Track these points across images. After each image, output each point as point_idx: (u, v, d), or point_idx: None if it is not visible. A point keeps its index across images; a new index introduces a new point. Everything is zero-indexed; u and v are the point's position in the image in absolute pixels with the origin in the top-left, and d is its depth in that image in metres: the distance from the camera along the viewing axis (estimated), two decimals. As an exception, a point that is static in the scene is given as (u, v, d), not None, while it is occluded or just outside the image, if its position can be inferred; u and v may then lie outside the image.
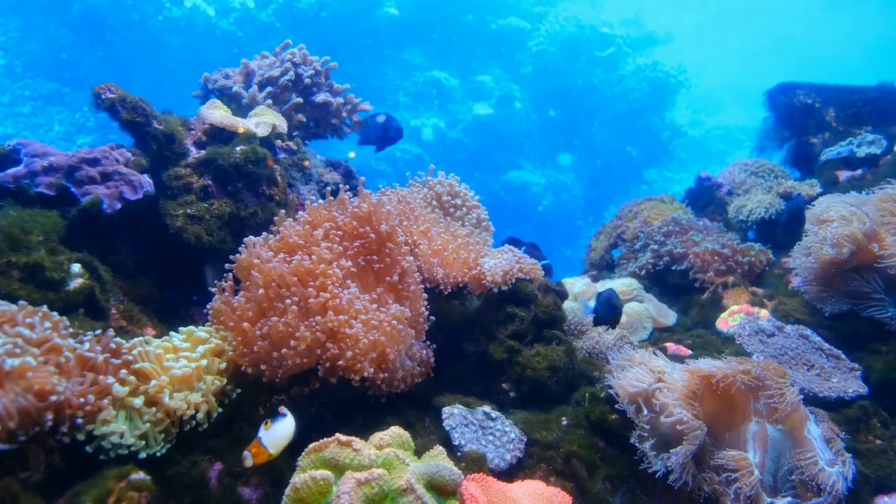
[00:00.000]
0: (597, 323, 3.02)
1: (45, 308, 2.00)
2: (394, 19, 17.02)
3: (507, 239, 3.42)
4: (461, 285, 2.92)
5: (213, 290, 2.53)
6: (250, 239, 2.57)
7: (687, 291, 4.05)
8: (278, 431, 1.92)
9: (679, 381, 2.20)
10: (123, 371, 1.98)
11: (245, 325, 2.30)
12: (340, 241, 2.57)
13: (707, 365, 2.26)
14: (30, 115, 14.89)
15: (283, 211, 2.78)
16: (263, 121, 3.33)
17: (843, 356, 2.90)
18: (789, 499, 2.01)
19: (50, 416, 1.75)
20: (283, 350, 2.23)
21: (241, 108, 3.58)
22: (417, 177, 3.45)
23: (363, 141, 3.89)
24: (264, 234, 2.64)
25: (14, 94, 14.87)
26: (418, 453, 1.99)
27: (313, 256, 2.42)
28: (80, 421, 1.82)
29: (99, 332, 2.09)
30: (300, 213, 2.84)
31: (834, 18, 25.27)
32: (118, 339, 2.09)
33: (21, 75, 15.00)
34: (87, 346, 1.97)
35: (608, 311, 2.88)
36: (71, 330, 2.01)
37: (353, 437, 1.85)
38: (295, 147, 3.53)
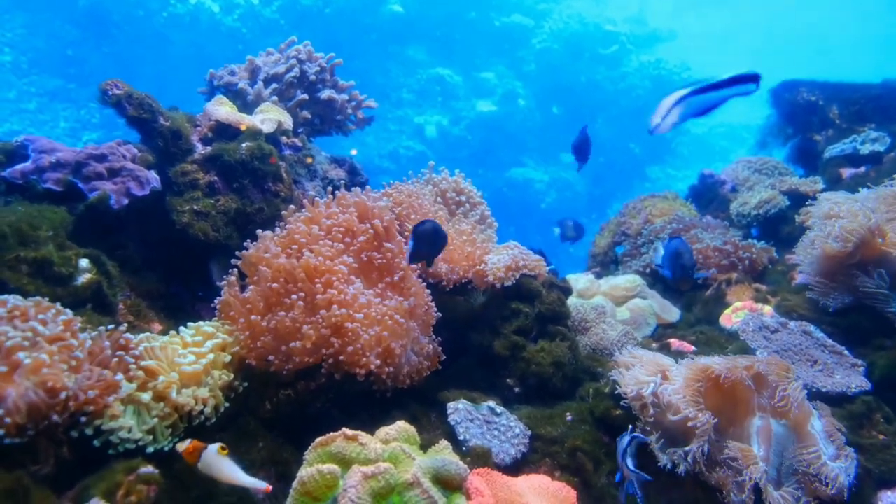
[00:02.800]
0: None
1: (58, 305, 2.02)
2: (398, 16, 17.02)
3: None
4: (465, 281, 2.93)
5: (221, 284, 2.55)
6: (265, 233, 2.58)
7: (690, 288, 4.05)
8: (223, 466, 1.78)
9: (683, 378, 2.21)
10: (133, 366, 2.00)
11: (253, 318, 2.31)
12: (342, 238, 2.59)
13: (711, 361, 2.27)
14: (36, 112, 14.91)
15: (291, 206, 2.79)
16: (269, 117, 3.34)
17: (845, 352, 2.90)
18: (793, 489, 2.02)
19: (59, 411, 1.76)
20: (291, 345, 2.25)
21: (247, 104, 3.60)
22: (421, 174, 3.46)
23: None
24: (277, 229, 2.66)
25: (20, 90, 14.88)
26: (424, 448, 2.00)
27: (319, 258, 2.43)
28: (83, 419, 1.84)
29: (112, 327, 2.11)
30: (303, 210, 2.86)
31: (840, 15, 25.20)
32: (128, 334, 2.11)
33: (27, 72, 15.02)
34: (97, 341, 1.99)
35: None
36: (80, 325, 2.03)
37: (359, 432, 1.86)
38: (300, 143, 3.55)
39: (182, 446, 1.81)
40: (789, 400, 2.16)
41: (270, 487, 1.81)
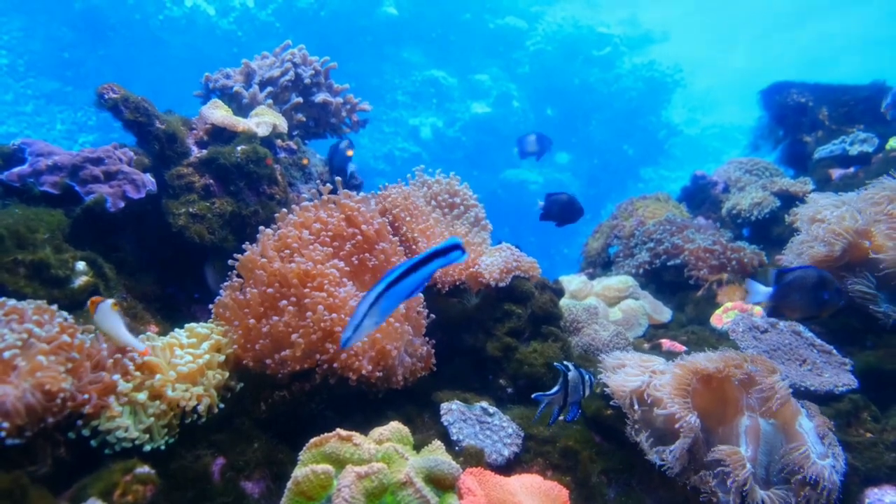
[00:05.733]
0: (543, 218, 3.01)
1: (55, 307, 2.04)
2: (392, 18, 17.03)
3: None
4: (459, 283, 2.96)
5: (221, 286, 2.56)
6: (266, 231, 2.60)
7: (682, 288, 4.09)
8: (109, 320, 1.96)
9: (672, 375, 2.24)
10: (130, 367, 2.02)
11: (251, 321, 2.33)
12: (331, 242, 2.60)
13: (700, 360, 2.29)
14: (32, 114, 14.89)
15: (283, 209, 2.81)
16: (264, 120, 3.36)
17: (834, 351, 2.94)
18: (781, 491, 2.05)
19: (56, 412, 1.78)
20: (285, 352, 2.27)
21: (242, 107, 3.61)
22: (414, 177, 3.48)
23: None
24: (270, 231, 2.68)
25: (17, 92, 14.87)
26: (417, 448, 2.03)
27: (309, 263, 2.45)
28: (80, 422, 1.86)
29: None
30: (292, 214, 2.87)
31: (831, 18, 25.27)
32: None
33: (24, 74, 15.01)
34: (94, 343, 2.01)
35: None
36: (78, 327, 2.05)
37: (353, 432, 1.89)
38: (295, 146, 3.57)
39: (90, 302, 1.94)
40: (775, 398, 2.19)
41: (148, 350, 1.88)
